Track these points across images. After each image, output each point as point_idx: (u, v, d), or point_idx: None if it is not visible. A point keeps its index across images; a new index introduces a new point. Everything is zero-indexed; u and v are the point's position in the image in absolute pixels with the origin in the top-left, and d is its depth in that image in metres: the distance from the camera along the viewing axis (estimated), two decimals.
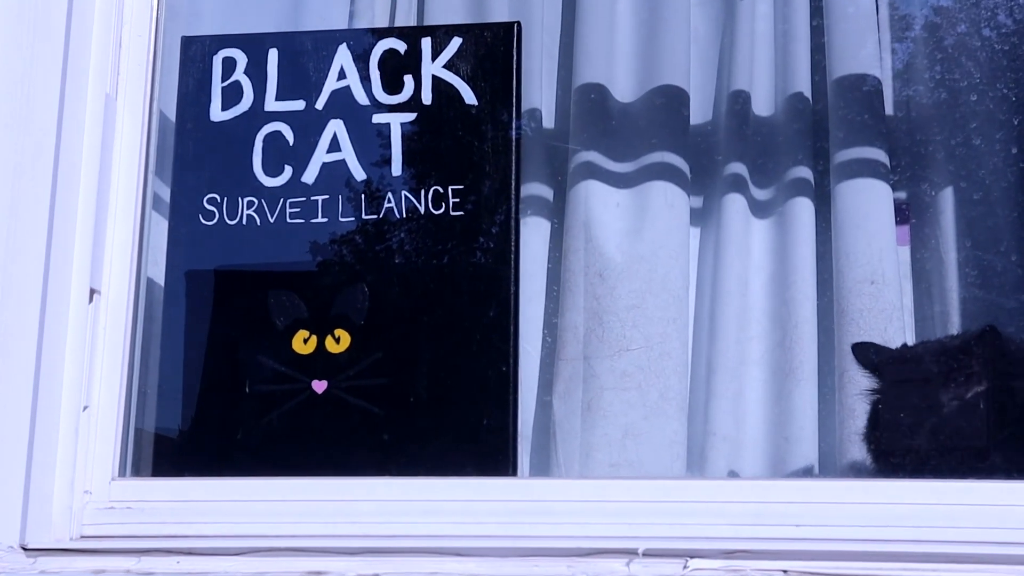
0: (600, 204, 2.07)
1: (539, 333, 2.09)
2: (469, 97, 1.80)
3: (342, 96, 1.84)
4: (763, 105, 2.11)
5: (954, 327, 1.97)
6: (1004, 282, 1.96)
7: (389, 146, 1.81)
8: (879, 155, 2.02)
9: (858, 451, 1.87)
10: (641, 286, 2.02)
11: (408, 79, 1.83)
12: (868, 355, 1.83)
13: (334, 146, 1.83)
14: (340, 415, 1.74)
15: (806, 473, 1.95)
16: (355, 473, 1.65)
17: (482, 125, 1.78)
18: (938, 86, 2.06)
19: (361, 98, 1.83)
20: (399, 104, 1.82)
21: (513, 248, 1.75)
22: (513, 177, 1.77)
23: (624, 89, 2.12)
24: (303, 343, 1.76)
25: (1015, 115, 1.98)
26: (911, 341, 1.96)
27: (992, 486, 1.49)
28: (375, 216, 1.80)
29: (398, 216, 1.79)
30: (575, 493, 1.60)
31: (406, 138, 1.81)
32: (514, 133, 1.78)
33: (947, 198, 2.03)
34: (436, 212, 1.78)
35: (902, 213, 2.07)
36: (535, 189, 2.12)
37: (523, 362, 2.04)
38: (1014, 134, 1.98)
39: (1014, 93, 1.99)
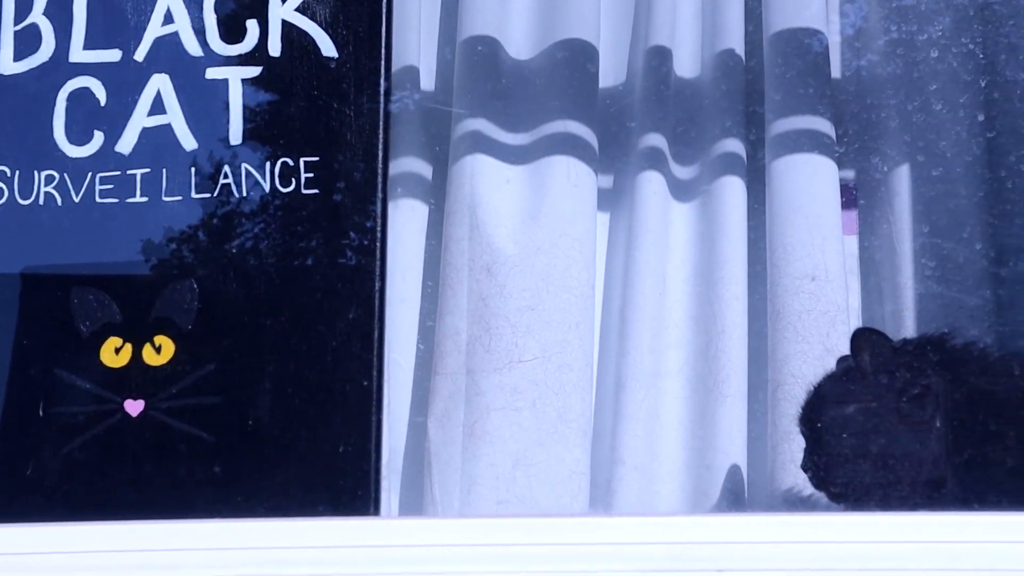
0: (489, 183, 2.06)
1: (413, 341, 2.08)
2: (327, 48, 1.79)
3: (168, 45, 1.82)
4: (687, 64, 2.12)
5: (908, 330, 2.00)
6: (966, 275, 2.00)
7: (227, 108, 1.79)
8: (822, 124, 2.04)
9: (796, 480, 1.89)
10: (537, 283, 2.02)
11: (252, 25, 1.81)
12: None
13: (157, 107, 1.80)
14: (160, 443, 1.72)
15: (733, 508, 1.97)
16: (180, 516, 1.61)
17: (343, 83, 1.77)
18: (893, 40, 2.10)
19: (192, 48, 1.81)
20: (240, 56, 1.81)
21: (379, 235, 1.74)
22: (380, 148, 1.76)
23: (520, 43, 2.11)
24: (114, 354, 1.73)
25: (982, 75, 2.02)
26: None
27: (948, 520, 1.52)
28: (208, 195, 1.78)
29: (237, 194, 1.78)
30: (452, 535, 1.59)
31: (248, 98, 1.79)
32: (383, 94, 1.77)
33: (902, 176, 2.06)
34: (284, 190, 1.76)
35: (850, 195, 2.10)
36: (410, 164, 2.10)
37: (393, 376, 2.03)
38: (981, 98, 2.02)
39: (981, 49, 2.02)
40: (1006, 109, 2.00)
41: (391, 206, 2.07)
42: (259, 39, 1.81)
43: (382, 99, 1.76)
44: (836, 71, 2.11)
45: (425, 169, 2.12)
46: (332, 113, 1.77)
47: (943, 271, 2.01)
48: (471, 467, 1.98)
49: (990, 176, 2.01)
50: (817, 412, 1.84)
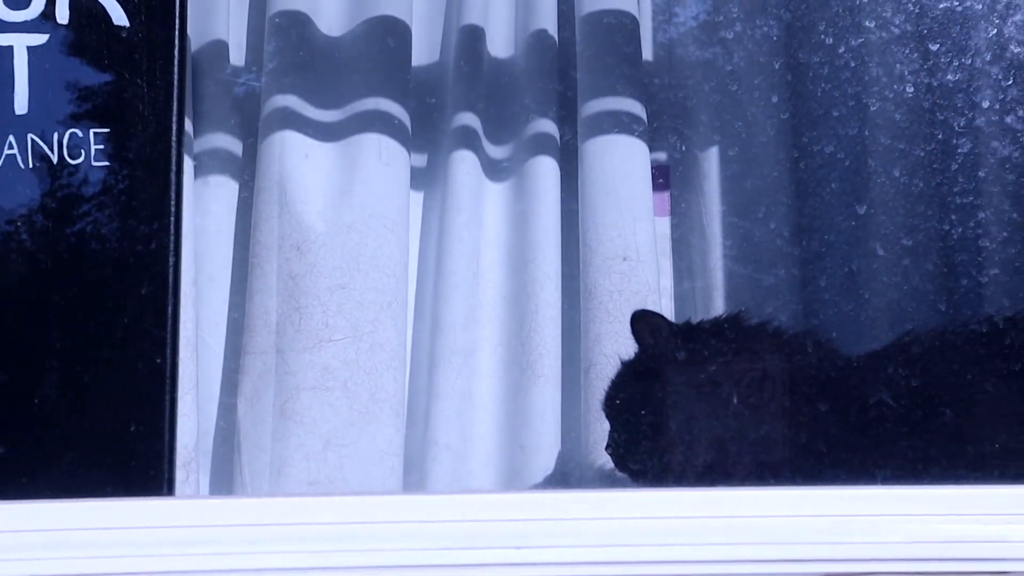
0: (298, 160, 2.02)
1: (223, 321, 2.03)
2: (118, 16, 1.72)
3: None
4: (500, 43, 2.11)
5: (717, 308, 2.02)
6: (762, 254, 2.02)
7: (12, 77, 1.71)
8: (633, 106, 2.05)
9: (609, 458, 1.89)
10: (348, 262, 1.99)
11: None
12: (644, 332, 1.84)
13: None
14: None
15: (546, 487, 1.96)
16: None
17: (135, 53, 1.70)
18: (692, 21, 2.11)
19: None
20: (25, 23, 1.72)
21: (172, 209, 1.68)
22: (175, 120, 1.69)
23: (331, 18, 2.08)
24: None
25: (776, 57, 2.05)
26: None
27: (740, 495, 1.52)
28: None
29: (22, 166, 1.69)
30: (248, 515, 1.53)
31: (34, 66, 1.71)
32: (176, 64, 1.71)
33: (711, 159, 2.08)
34: (73, 162, 1.69)
35: (662, 177, 2.10)
36: (219, 140, 2.06)
37: (203, 356, 1.98)
38: (775, 80, 2.05)
39: (775, 31, 2.05)
40: (799, 91, 2.03)
41: (200, 183, 2.03)
42: (45, 6, 1.72)
43: (176, 70, 1.70)
44: (648, 53, 2.11)
45: (235, 145, 2.07)
46: (124, 84, 1.70)
47: (741, 250, 2.04)
48: (281, 448, 1.95)
49: (784, 157, 2.04)
50: (614, 393, 1.84)
